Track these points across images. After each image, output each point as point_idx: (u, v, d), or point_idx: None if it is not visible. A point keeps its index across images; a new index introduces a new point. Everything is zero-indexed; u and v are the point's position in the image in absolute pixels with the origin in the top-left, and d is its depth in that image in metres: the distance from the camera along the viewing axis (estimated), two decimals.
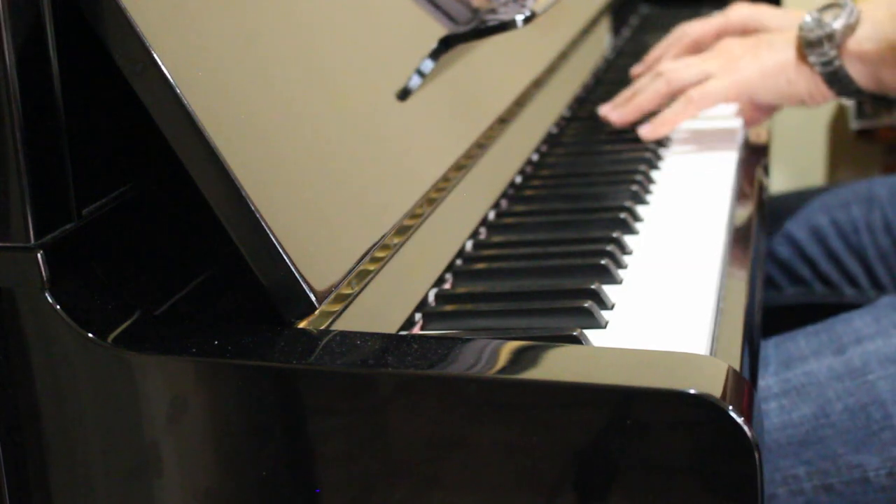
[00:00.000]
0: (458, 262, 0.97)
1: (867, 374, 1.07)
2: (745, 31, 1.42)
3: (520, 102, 1.21)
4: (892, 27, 1.19)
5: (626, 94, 1.34)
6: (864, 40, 1.20)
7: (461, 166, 1.01)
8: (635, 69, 1.44)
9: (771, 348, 1.15)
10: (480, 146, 1.06)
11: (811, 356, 1.11)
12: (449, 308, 0.89)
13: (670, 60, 1.36)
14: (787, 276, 1.48)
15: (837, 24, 1.20)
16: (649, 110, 1.30)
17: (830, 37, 1.20)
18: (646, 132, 1.27)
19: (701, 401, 0.63)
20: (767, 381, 1.10)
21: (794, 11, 1.44)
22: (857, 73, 1.21)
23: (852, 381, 1.07)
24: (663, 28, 1.56)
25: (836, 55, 1.20)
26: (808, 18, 1.22)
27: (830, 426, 1.06)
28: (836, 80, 1.22)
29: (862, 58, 1.20)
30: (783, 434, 1.07)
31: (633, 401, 0.64)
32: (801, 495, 1.07)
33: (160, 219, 0.79)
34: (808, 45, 1.22)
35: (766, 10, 1.44)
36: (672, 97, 1.28)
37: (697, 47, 1.40)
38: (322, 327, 0.73)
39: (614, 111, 1.32)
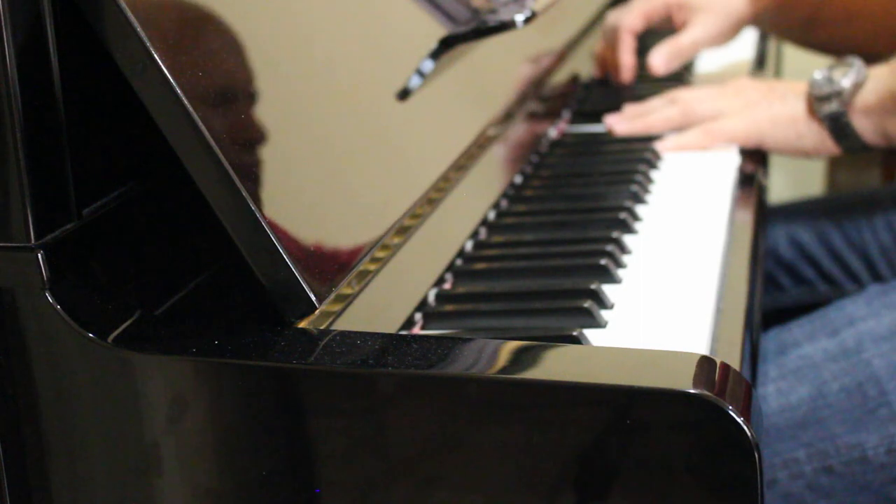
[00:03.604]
0: (458, 262, 0.97)
1: (861, 353, 1.08)
2: (668, 7, 1.50)
3: (520, 102, 1.21)
4: (893, 79, 1.22)
5: (636, 109, 1.36)
6: (868, 94, 1.23)
7: (461, 166, 1.01)
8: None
9: (767, 340, 1.16)
10: (480, 146, 1.06)
11: (805, 341, 1.13)
12: (449, 308, 0.89)
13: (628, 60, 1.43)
14: (790, 276, 1.49)
15: (846, 82, 1.23)
16: (657, 132, 1.34)
17: (839, 94, 1.23)
18: (660, 148, 1.30)
19: (701, 400, 0.63)
20: (764, 367, 1.11)
21: None
22: (864, 128, 1.24)
23: (847, 360, 1.08)
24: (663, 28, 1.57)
25: (845, 111, 1.23)
26: (818, 76, 1.25)
27: (828, 407, 1.07)
28: (844, 135, 1.25)
29: (867, 111, 1.24)
30: (781, 417, 1.08)
31: (633, 400, 0.64)
32: (801, 478, 1.07)
33: (160, 219, 0.79)
34: (817, 100, 1.25)
35: None
36: (681, 126, 1.33)
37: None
38: (322, 327, 0.73)
39: (621, 123, 1.35)
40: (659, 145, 1.29)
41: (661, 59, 1.47)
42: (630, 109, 1.38)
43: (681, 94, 1.34)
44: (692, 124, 1.32)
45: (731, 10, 1.49)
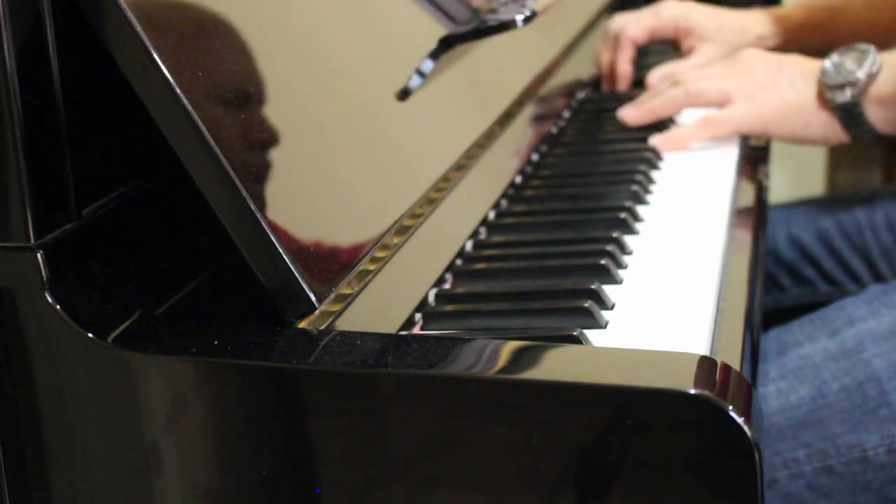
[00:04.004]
0: (458, 262, 0.97)
1: (862, 353, 1.08)
2: (676, 30, 1.49)
3: (520, 102, 1.21)
4: None
5: (645, 100, 1.36)
6: (882, 84, 1.21)
7: (461, 166, 1.01)
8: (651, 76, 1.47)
9: (768, 340, 1.16)
10: (480, 146, 1.06)
11: (805, 341, 1.13)
12: (449, 308, 0.89)
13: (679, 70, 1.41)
14: (792, 277, 1.49)
15: (861, 73, 1.21)
16: (664, 117, 1.34)
17: (854, 84, 1.21)
18: (659, 144, 1.29)
19: (701, 401, 0.63)
20: (764, 367, 1.11)
21: (724, 12, 1.49)
22: (877, 117, 1.23)
23: (847, 360, 1.08)
24: None
25: (858, 101, 1.21)
26: (827, 65, 1.23)
27: (828, 406, 1.07)
28: (855, 124, 1.23)
29: (882, 101, 1.22)
30: (782, 417, 1.08)
31: (633, 401, 0.64)
32: (801, 478, 1.07)
33: (160, 219, 0.79)
34: (829, 89, 1.23)
35: (696, 9, 1.50)
36: (687, 107, 1.31)
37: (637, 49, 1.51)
38: (322, 327, 0.73)
39: (629, 111, 1.34)
40: (661, 138, 1.28)
41: (657, 80, 1.47)
42: (639, 102, 1.37)
43: (685, 74, 1.34)
44: (698, 104, 1.30)
45: (738, 47, 1.48)
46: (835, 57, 1.23)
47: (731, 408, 0.62)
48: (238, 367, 0.69)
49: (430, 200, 0.93)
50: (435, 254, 0.94)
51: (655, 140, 1.29)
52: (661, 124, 1.34)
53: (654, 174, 1.22)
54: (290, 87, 0.82)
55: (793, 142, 1.30)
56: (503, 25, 1.07)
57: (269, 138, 0.76)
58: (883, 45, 1.30)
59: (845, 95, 1.21)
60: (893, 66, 1.22)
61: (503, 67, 1.22)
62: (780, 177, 2.56)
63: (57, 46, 0.70)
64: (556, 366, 0.68)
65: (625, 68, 1.51)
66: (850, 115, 1.22)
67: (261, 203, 0.71)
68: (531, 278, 0.95)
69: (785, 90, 1.26)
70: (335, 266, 0.76)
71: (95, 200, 0.74)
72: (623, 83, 1.52)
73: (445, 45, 1.04)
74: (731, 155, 1.27)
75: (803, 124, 1.25)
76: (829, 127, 1.25)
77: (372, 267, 0.80)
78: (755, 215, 1.14)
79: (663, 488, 0.64)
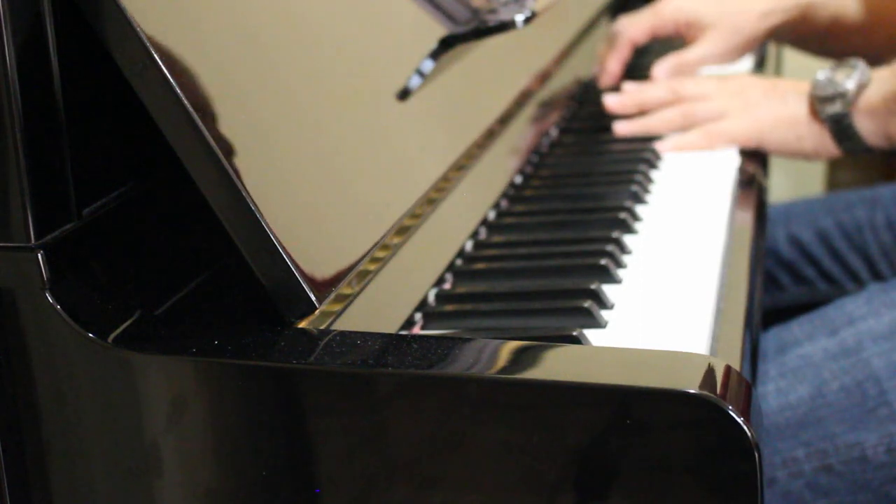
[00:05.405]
0: (458, 262, 0.97)
1: (861, 352, 1.08)
2: (677, 25, 1.49)
3: (520, 102, 1.21)
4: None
5: (634, 97, 1.36)
6: (871, 96, 1.24)
7: (461, 166, 1.01)
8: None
9: (767, 339, 1.17)
10: (480, 146, 1.06)
11: (805, 340, 1.13)
12: (449, 308, 0.89)
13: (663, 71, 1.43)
14: (791, 276, 1.49)
15: (850, 84, 1.23)
16: (657, 134, 1.34)
17: (843, 95, 1.24)
18: (660, 148, 1.30)
19: (701, 400, 0.63)
20: (764, 367, 1.11)
21: None
22: (867, 130, 1.25)
23: (847, 359, 1.09)
24: None
25: (847, 113, 1.24)
26: (820, 77, 1.26)
27: (827, 406, 1.07)
28: (846, 136, 1.25)
29: (871, 113, 1.24)
30: (781, 416, 1.08)
31: (633, 401, 0.64)
32: (800, 477, 1.08)
33: (160, 219, 0.79)
34: (820, 101, 1.25)
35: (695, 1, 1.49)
36: (682, 128, 1.33)
37: (636, 49, 1.51)
38: (322, 327, 0.73)
39: (622, 125, 1.34)
40: (659, 146, 1.30)
41: (663, 73, 1.47)
42: (627, 96, 1.37)
43: (682, 89, 1.34)
44: (693, 125, 1.32)
45: (742, 29, 1.48)
46: (827, 70, 1.26)
47: (730, 407, 0.62)
48: (238, 367, 0.69)
49: (430, 200, 0.93)
50: (435, 254, 0.94)
51: (658, 145, 1.30)
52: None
53: (654, 174, 1.22)
54: (290, 87, 0.82)
55: (787, 155, 1.31)
56: (503, 25, 1.07)
57: (270, 138, 0.76)
58: (890, 28, 1.32)
59: (835, 107, 1.24)
60: (882, 79, 1.24)
61: (503, 67, 1.22)
62: (780, 177, 2.56)
63: (57, 46, 0.70)
64: (556, 366, 0.68)
65: (614, 68, 1.51)
66: (840, 126, 1.24)
67: (261, 203, 0.71)
68: (531, 278, 0.95)
69: (777, 106, 1.29)
70: (335, 266, 0.76)
71: (95, 200, 0.74)
72: (608, 80, 1.51)
73: (445, 45, 1.04)
74: (730, 155, 1.27)
75: (796, 136, 1.27)
76: (821, 140, 1.27)
77: (372, 267, 0.80)
78: (755, 215, 1.15)
79: (663, 488, 0.64)
